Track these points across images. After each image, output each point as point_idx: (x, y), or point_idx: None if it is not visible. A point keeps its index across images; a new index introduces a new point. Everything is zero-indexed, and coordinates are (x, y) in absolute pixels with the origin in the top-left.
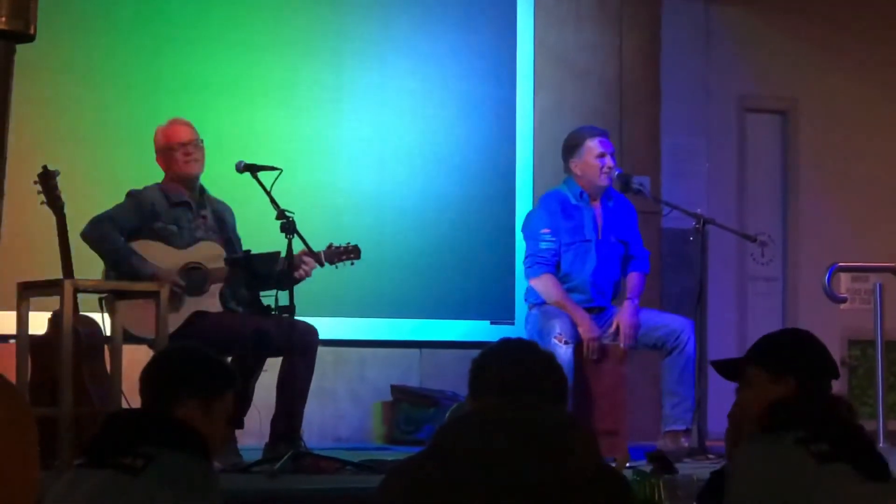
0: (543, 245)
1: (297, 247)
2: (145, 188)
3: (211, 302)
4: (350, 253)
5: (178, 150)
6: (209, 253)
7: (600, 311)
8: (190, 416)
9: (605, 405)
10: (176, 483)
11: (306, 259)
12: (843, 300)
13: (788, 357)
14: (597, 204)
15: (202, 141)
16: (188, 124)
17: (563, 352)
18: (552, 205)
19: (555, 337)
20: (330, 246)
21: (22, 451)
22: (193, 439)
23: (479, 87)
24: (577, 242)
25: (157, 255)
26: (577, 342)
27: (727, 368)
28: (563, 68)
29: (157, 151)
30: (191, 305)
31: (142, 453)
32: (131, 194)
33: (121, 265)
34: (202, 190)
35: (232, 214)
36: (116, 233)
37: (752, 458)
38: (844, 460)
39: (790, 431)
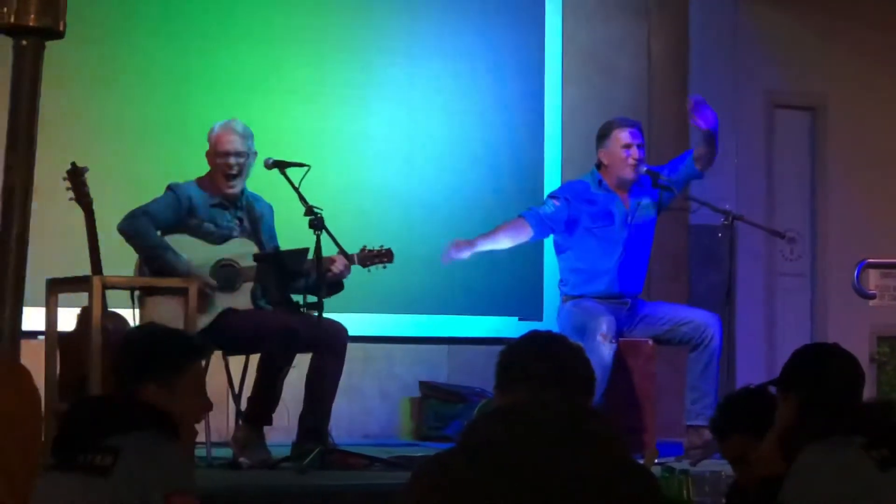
0: (542, 206)
1: (326, 243)
2: (186, 183)
3: (242, 300)
4: (383, 256)
5: (221, 161)
6: (242, 251)
7: (627, 306)
8: (152, 398)
9: (633, 402)
10: (146, 471)
11: (338, 266)
12: (872, 296)
13: (792, 378)
14: (624, 194)
15: (252, 152)
16: (241, 133)
17: (607, 351)
18: (573, 188)
19: (600, 334)
20: (363, 249)
21: (23, 441)
22: (157, 419)
23: (507, 82)
24: (600, 227)
25: (191, 249)
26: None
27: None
28: (591, 64)
29: (208, 146)
30: (222, 302)
31: (108, 447)
32: (171, 188)
33: (156, 261)
34: (243, 190)
35: (271, 211)
36: (152, 228)
37: (815, 460)
38: None
39: (851, 437)
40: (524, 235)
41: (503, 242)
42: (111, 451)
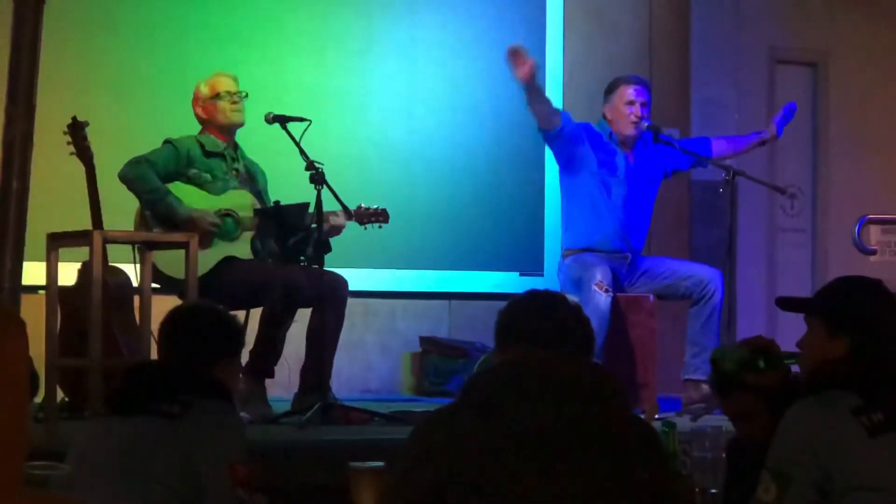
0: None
1: (327, 197)
2: (182, 137)
3: (242, 248)
4: (379, 216)
5: (224, 99)
6: (241, 201)
7: (628, 261)
8: (222, 374)
9: (635, 357)
10: (213, 427)
11: (336, 220)
12: (873, 252)
13: (845, 315)
14: (629, 150)
15: (245, 94)
16: (233, 77)
17: (603, 300)
18: (589, 127)
19: (595, 284)
20: (359, 207)
21: (6, 391)
22: (225, 391)
23: (508, 37)
24: (606, 174)
25: (191, 199)
26: (615, 292)
27: (791, 305)
28: (592, 19)
29: (198, 102)
30: (221, 250)
31: (179, 400)
32: (169, 141)
33: (157, 205)
34: (237, 146)
35: (264, 175)
36: (153, 173)
37: (802, 419)
38: None
39: (845, 396)
40: (553, 118)
41: (541, 104)
42: (182, 403)
